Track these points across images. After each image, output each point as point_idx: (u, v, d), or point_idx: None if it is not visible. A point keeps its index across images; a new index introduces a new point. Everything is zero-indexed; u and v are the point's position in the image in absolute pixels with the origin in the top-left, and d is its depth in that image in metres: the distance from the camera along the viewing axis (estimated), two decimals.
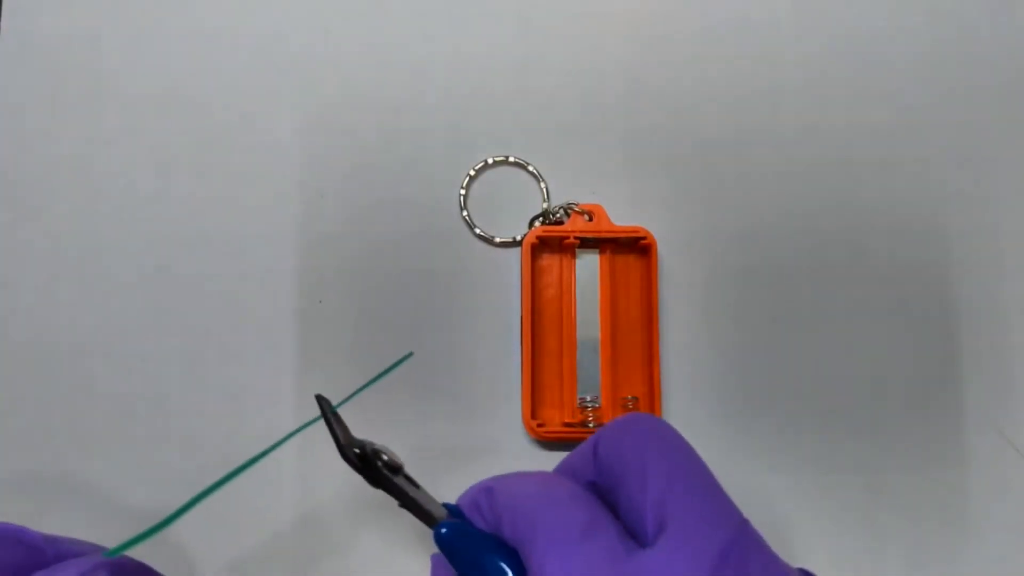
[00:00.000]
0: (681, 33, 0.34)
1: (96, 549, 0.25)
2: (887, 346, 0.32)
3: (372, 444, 0.24)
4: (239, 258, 0.32)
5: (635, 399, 0.31)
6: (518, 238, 0.32)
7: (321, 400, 0.25)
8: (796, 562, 0.31)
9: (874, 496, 0.31)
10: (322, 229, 0.32)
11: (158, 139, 0.33)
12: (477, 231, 0.32)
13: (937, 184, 0.33)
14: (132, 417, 0.31)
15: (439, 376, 0.31)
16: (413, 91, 0.33)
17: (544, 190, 0.33)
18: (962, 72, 0.34)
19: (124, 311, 0.32)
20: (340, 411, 0.25)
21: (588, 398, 0.31)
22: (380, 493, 0.24)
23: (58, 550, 0.23)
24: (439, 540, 0.22)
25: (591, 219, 0.32)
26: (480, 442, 0.31)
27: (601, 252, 0.32)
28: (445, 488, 0.30)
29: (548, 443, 0.31)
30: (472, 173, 0.33)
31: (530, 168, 0.33)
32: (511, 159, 0.33)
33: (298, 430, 0.24)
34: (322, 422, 0.24)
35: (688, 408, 0.32)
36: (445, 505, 0.24)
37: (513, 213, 0.33)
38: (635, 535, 0.20)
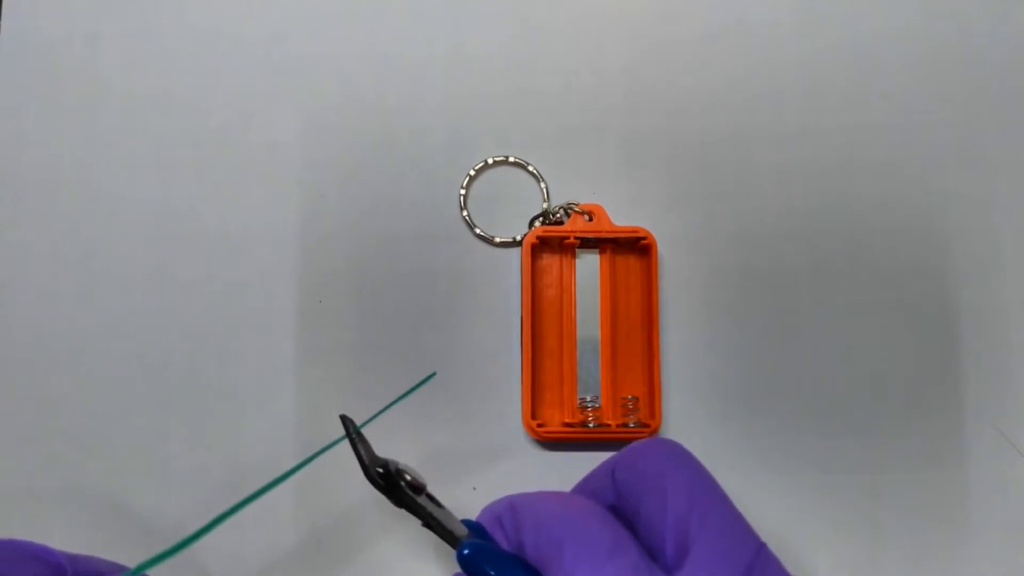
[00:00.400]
0: (681, 33, 0.34)
1: (117, 568, 0.24)
2: (886, 346, 0.32)
3: (396, 463, 0.24)
4: (239, 258, 0.32)
5: (635, 399, 0.31)
6: (518, 238, 0.32)
7: (345, 420, 0.25)
8: (796, 562, 0.31)
9: (874, 496, 0.31)
10: (322, 229, 0.32)
11: (158, 139, 0.33)
12: (477, 231, 0.32)
13: (937, 184, 0.33)
14: (132, 417, 0.31)
15: (439, 376, 0.31)
16: (413, 91, 0.33)
17: (544, 190, 0.33)
18: (962, 73, 0.34)
19: (124, 311, 0.32)
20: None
21: (588, 398, 0.31)
22: (391, 504, 0.24)
23: (78, 569, 0.23)
24: (462, 560, 0.22)
25: (591, 219, 0.32)
26: (480, 442, 0.31)
27: (601, 252, 0.32)
28: (445, 488, 0.31)
29: (548, 443, 0.31)
30: (472, 173, 0.33)
31: (530, 168, 0.33)
32: (511, 159, 0.33)
33: (324, 449, 0.24)
34: (346, 441, 0.24)
35: (688, 408, 0.32)
36: (465, 522, 0.24)
37: (513, 213, 0.33)
38: (655, 559, 0.20)
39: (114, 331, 0.32)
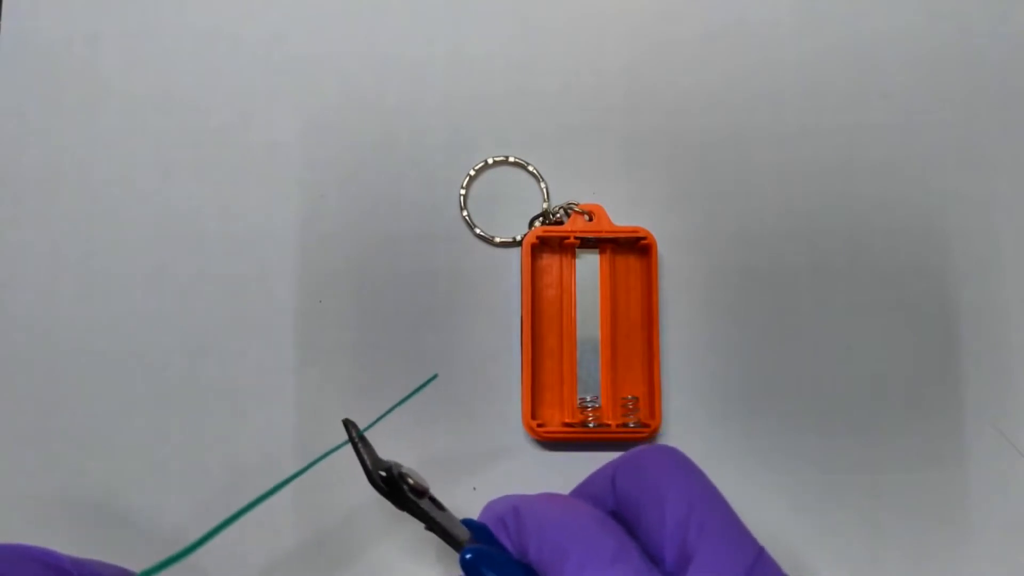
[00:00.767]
0: (681, 33, 0.34)
1: (124, 572, 0.24)
2: (886, 346, 0.32)
3: (399, 467, 0.24)
4: (239, 258, 0.32)
5: (635, 399, 0.31)
6: (518, 238, 0.32)
7: (348, 424, 0.25)
8: (796, 562, 0.31)
9: (874, 496, 0.31)
10: (322, 229, 0.32)
11: (158, 139, 0.33)
12: (477, 231, 0.32)
13: (937, 184, 0.33)
14: (132, 417, 0.31)
15: (439, 376, 0.31)
16: (413, 91, 0.33)
17: (544, 190, 0.33)
18: (962, 73, 0.34)
19: (124, 311, 0.32)
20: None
21: (588, 398, 0.31)
22: (392, 507, 0.24)
23: (83, 573, 0.23)
24: (464, 565, 0.22)
25: (591, 219, 0.32)
26: (480, 442, 0.31)
27: (601, 252, 0.32)
28: (445, 488, 0.31)
29: (548, 443, 0.31)
30: (472, 173, 0.33)
31: (530, 168, 0.33)
32: (511, 159, 0.33)
33: (327, 454, 0.24)
34: (348, 445, 0.24)
35: (688, 408, 0.32)
36: (467, 522, 0.24)
37: (513, 213, 0.33)
38: (656, 566, 0.21)
39: (114, 331, 0.32)
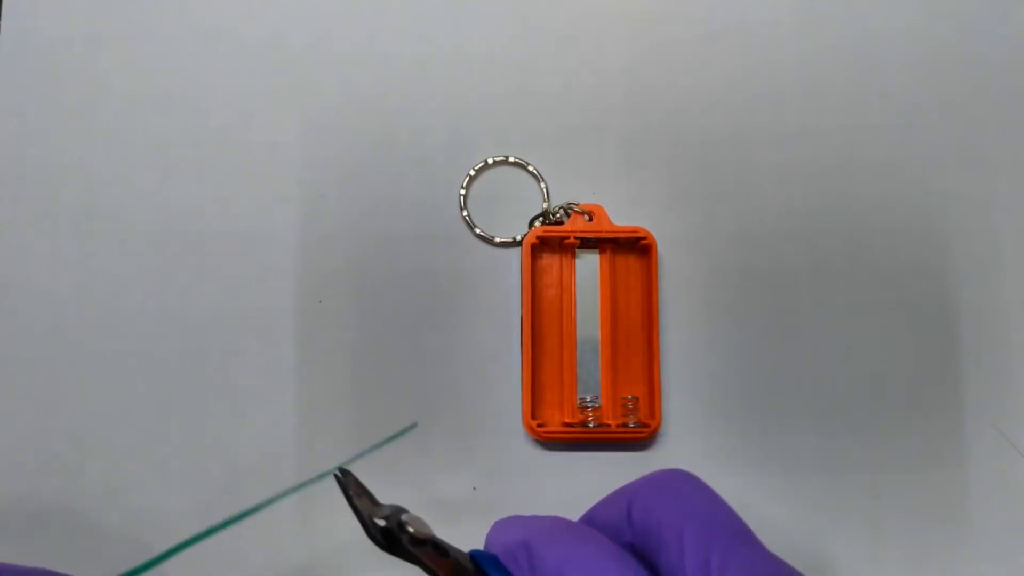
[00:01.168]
0: (681, 33, 0.34)
1: None
2: (886, 346, 0.32)
3: (398, 514, 0.23)
4: (239, 258, 0.32)
5: (635, 399, 0.31)
6: (518, 238, 0.32)
7: (340, 478, 0.23)
8: (796, 562, 0.31)
9: (874, 496, 0.31)
10: (322, 229, 0.32)
11: (158, 139, 0.33)
12: (477, 231, 0.32)
13: (937, 184, 0.33)
14: (132, 417, 0.31)
15: (440, 376, 0.31)
16: (413, 91, 0.33)
17: (544, 190, 0.33)
18: (962, 73, 0.34)
19: (124, 311, 0.32)
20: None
21: (588, 398, 0.31)
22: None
23: None
24: None
25: (591, 219, 0.32)
26: (480, 442, 0.31)
27: (601, 252, 0.32)
28: (445, 488, 0.31)
29: (548, 443, 0.31)
30: (472, 173, 0.33)
31: (530, 168, 0.33)
32: (511, 159, 0.33)
33: (315, 480, 0.23)
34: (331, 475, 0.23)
35: (688, 408, 0.32)
36: (477, 553, 0.23)
37: (513, 213, 0.33)
38: None
39: (114, 331, 0.32)
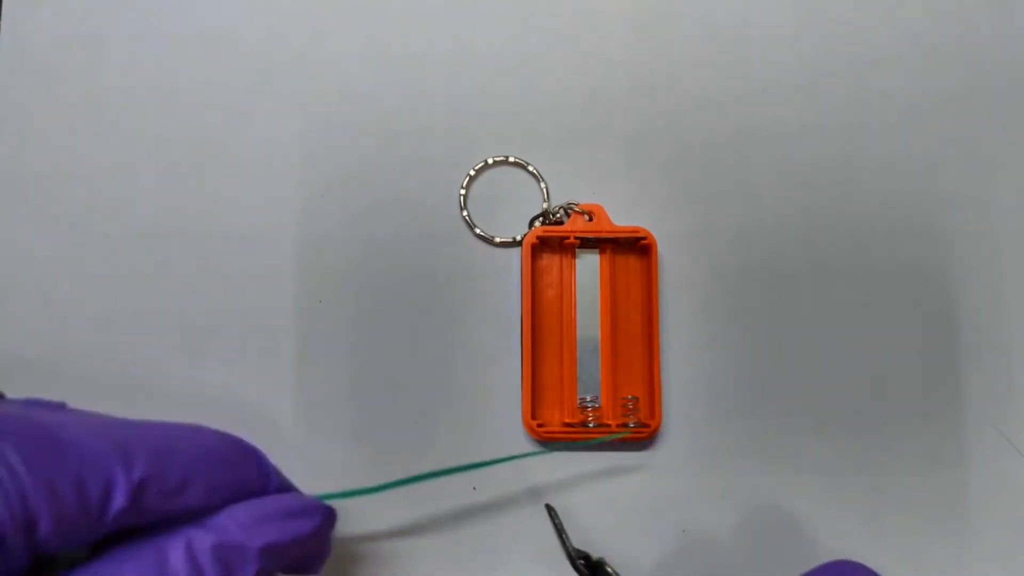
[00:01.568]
0: (681, 33, 0.34)
1: (299, 492, 0.25)
2: (887, 346, 0.32)
3: (589, 554, 0.26)
4: (239, 258, 0.32)
5: (635, 399, 0.31)
6: (518, 238, 0.32)
7: (552, 509, 0.28)
8: (796, 562, 0.31)
9: (874, 496, 0.31)
10: (322, 229, 0.32)
11: (158, 139, 0.33)
12: (477, 231, 0.32)
13: (937, 184, 0.33)
14: (131, 417, 0.31)
15: (439, 376, 0.31)
16: (413, 91, 0.33)
17: (544, 190, 0.33)
18: (962, 72, 0.34)
19: (124, 311, 0.32)
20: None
21: (588, 398, 0.31)
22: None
23: (280, 483, 0.24)
24: None
25: (591, 219, 0.32)
26: (480, 442, 0.31)
27: (601, 252, 0.32)
28: (445, 489, 0.31)
29: (548, 443, 0.31)
30: (472, 173, 0.33)
31: (530, 168, 0.33)
32: (511, 159, 0.33)
33: (517, 457, 0.28)
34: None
35: (688, 408, 0.32)
36: None
37: (513, 213, 0.33)
38: None
39: (114, 331, 0.31)
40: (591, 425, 0.30)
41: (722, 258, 0.33)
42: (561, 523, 0.27)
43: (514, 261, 0.32)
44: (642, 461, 0.31)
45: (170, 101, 0.33)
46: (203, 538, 0.20)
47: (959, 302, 0.33)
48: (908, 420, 0.32)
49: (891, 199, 0.33)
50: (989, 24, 0.35)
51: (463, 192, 0.33)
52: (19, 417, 0.19)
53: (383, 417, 0.31)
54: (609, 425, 0.30)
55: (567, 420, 0.31)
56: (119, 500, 0.19)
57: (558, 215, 0.32)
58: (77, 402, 0.31)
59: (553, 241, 0.32)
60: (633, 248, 0.32)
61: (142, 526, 0.20)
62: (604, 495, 0.31)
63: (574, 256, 0.32)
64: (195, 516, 0.21)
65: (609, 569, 0.25)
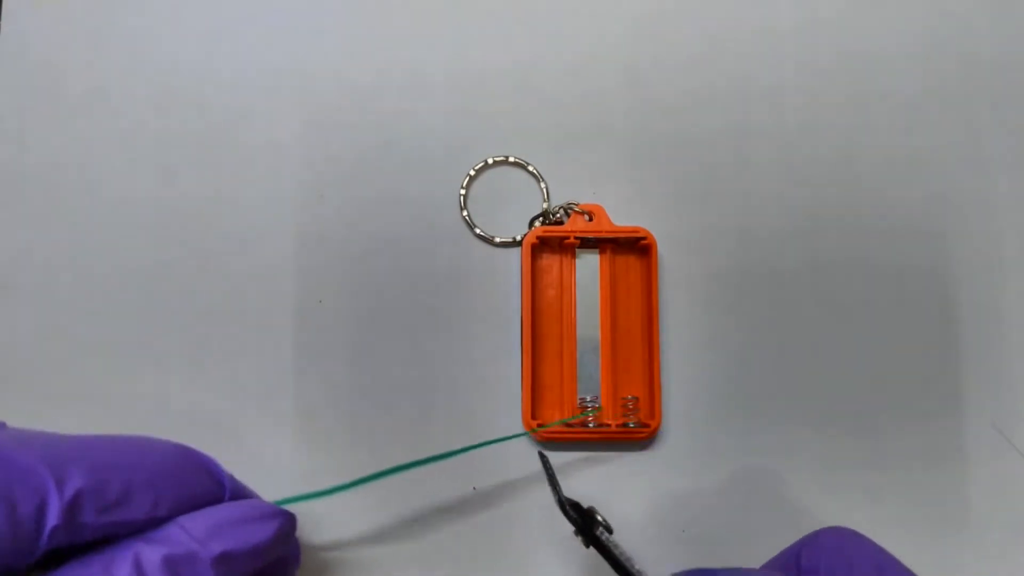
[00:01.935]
0: (681, 33, 0.34)
1: (259, 498, 0.24)
2: (887, 346, 0.32)
3: (578, 503, 0.25)
4: (239, 258, 0.32)
5: (635, 399, 0.31)
6: (518, 238, 0.32)
7: (545, 456, 0.27)
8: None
9: (874, 496, 0.31)
10: (322, 229, 0.32)
11: (158, 139, 0.33)
12: (477, 231, 0.32)
13: (937, 184, 0.33)
14: (131, 418, 0.31)
15: (439, 376, 0.31)
16: (413, 91, 0.33)
17: (544, 190, 0.33)
18: (963, 72, 0.34)
19: (124, 311, 0.32)
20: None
21: (588, 398, 0.31)
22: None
23: (235, 490, 0.23)
24: None
25: (591, 219, 0.32)
26: (480, 442, 0.31)
27: (601, 252, 0.32)
28: (445, 488, 0.31)
29: (548, 443, 0.31)
30: (472, 173, 0.33)
31: (530, 168, 0.33)
32: (511, 159, 0.33)
33: (499, 440, 0.29)
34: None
35: (688, 408, 0.32)
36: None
37: (513, 213, 0.33)
38: None
39: (114, 331, 0.31)
40: (591, 425, 0.30)
41: (722, 258, 0.33)
42: (553, 472, 0.27)
43: (514, 261, 0.32)
44: (642, 461, 0.31)
45: (170, 101, 0.33)
46: (152, 551, 0.19)
47: (959, 302, 0.33)
48: (908, 420, 0.32)
49: (891, 199, 0.33)
50: (989, 24, 0.35)
51: (463, 192, 0.33)
52: None
53: (383, 417, 0.31)
54: (609, 425, 0.30)
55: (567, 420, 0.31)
56: (53, 517, 0.18)
57: (558, 215, 0.32)
58: (78, 402, 0.31)
59: (553, 241, 0.32)
60: (633, 248, 0.32)
61: (86, 543, 0.19)
62: (604, 495, 0.31)
63: (574, 256, 0.32)
64: (144, 529, 0.20)
65: (599, 517, 0.25)
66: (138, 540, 0.20)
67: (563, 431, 0.30)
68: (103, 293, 0.32)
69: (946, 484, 0.31)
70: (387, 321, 0.32)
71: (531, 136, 0.33)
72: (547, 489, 0.31)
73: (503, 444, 0.31)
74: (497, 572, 0.30)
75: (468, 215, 0.32)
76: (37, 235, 0.32)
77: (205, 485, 0.22)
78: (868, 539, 0.24)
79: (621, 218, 0.32)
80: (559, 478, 0.27)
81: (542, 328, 0.32)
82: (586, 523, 0.25)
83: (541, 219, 0.32)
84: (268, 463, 0.31)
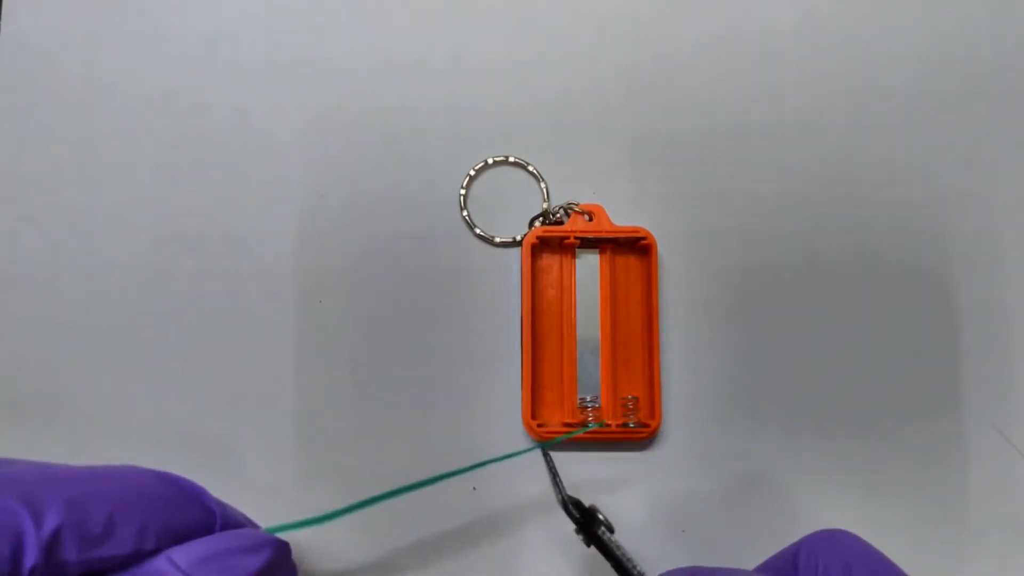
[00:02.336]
0: (682, 33, 0.34)
1: (253, 524, 0.24)
2: (887, 346, 0.32)
3: (581, 502, 0.25)
4: (239, 258, 0.32)
5: (635, 399, 0.31)
6: (518, 238, 0.32)
7: (547, 452, 0.27)
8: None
9: (874, 496, 0.31)
10: (322, 229, 0.32)
11: (158, 139, 0.33)
12: (477, 231, 0.32)
13: (937, 184, 0.33)
14: (132, 418, 0.31)
15: (439, 376, 0.31)
16: (413, 91, 0.33)
17: (544, 190, 0.33)
18: (962, 73, 0.34)
19: (124, 311, 0.32)
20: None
21: (588, 398, 0.31)
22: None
23: (227, 517, 0.23)
24: None
25: (591, 219, 0.32)
26: (480, 442, 0.31)
27: (601, 252, 0.32)
28: (445, 488, 0.31)
29: (548, 443, 0.31)
30: (472, 173, 0.33)
31: (530, 168, 0.33)
32: (511, 159, 0.33)
33: (508, 456, 0.28)
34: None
35: (688, 408, 0.32)
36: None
37: (513, 213, 0.33)
38: None
39: (114, 331, 0.31)
40: (591, 425, 0.30)
41: (722, 258, 0.33)
42: (556, 468, 0.27)
43: (514, 261, 0.32)
44: (642, 461, 0.31)
45: (170, 101, 0.33)
46: None
47: (959, 302, 0.33)
48: (908, 419, 0.32)
49: (891, 199, 0.33)
50: (989, 25, 0.35)
51: (463, 192, 0.33)
52: None
53: (383, 417, 0.31)
54: (609, 425, 0.30)
55: (567, 420, 0.31)
56: (32, 556, 0.17)
57: (558, 215, 0.32)
58: (75, 402, 0.31)
59: (553, 241, 0.32)
60: (633, 248, 0.32)
61: None
62: (604, 495, 0.31)
63: (574, 256, 0.32)
64: (130, 563, 0.19)
65: (601, 516, 0.25)
66: (124, 574, 0.19)
67: (563, 431, 0.30)
68: (102, 293, 0.32)
69: (946, 484, 0.31)
70: (387, 321, 0.32)
71: (531, 136, 0.33)
72: (547, 489, 0.31)
73: (501, 443, 0.31)
74: (497, 573, 0.30)
75: (468, 215, 0.32)
76: (37, 235, 0.32)
77: (193, 514, 0.22)
78: (864, 541, 0.24)
79: (621, 218, 0.32)
80: (561, 475, 0.27)
81: (542, 328, 0.32)
82: (588, 521, 0.25)
83: (541, 219, 0.32)
84: (268, 463, 0.31)
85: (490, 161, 0.33)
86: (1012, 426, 0.32)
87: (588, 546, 0.25)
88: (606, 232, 0.31)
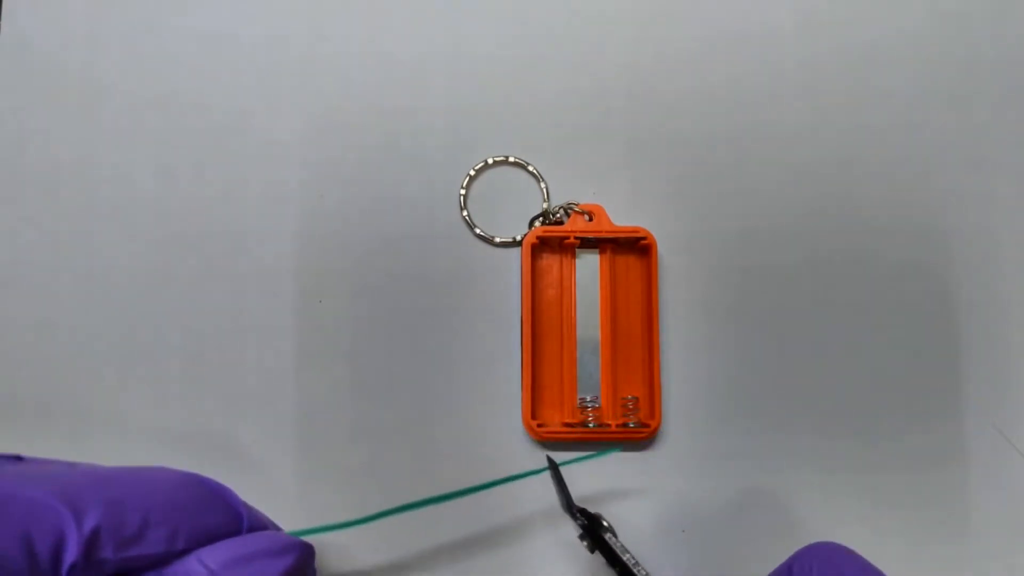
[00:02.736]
0: (682, 33, 0.34)
1: (275, 526, 0.24)
2: (887, 346, 0.32)
3: (587, 509, 0.26)
4: (239, 258, 0.32)
5: (635, 399, 0.31)
6: (518, 238, 0.32)
7: (553, 461, 0.27)
8: None
9: (874, 496, 0.31)
10: (322, 229, 0.32)
11: (158, 139, 0.33)
12: (477, 231, 0.32)
13: (937, 184, 0.33)
14: (132, 418, 0.31)
15: (439, 376, 0.31)
16: (413, 91, 0.33)
17: (544, 190, 0.33)
18: (962, 73, 0.34)
19: (124, 311, 0.32)
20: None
21: (588, 398, 0.31)
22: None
23: (252, 521, 0.23)
24: None
25: (591, 219, 0.32)
26: (480, 442, 0.31)
27: (601, 252, 0.32)
28: (445, 489, 0.30)
29: (548, 443, 0.31)
30: (472, 173, 0.33)
31: (530, 168, 0.33)
32: (511, 159, 0.33)
33: (523, 476, 0.28)
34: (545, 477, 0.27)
35: (688, 408, 0.32)
36: None
37: (513, 213, 0.33)
38: None
39: (114, 331, 0.31)
40: (591, 425, 0.30)
41: (722, 258, 0.33)
42: (561, 476, 0.27)
43: (514, 261, 0.32)
44: (642, 461, 0.31)
45: (170, 101, 0.33)
46: None
47: (959, 301, 0.33)
48: (908, 419, 0.32)
49: (891, 198, 0.33)
50: (989, 24, 0.35)
51: (463, 192, 0.33)
52: None
53: (383, 417, 0.31)
54: (609, 425, 0.30)
55: (567, 420, 0.31)
56: (72, 554, 0.18)
57: (558, 215, 0.32)
58: (78, 401, 0.31)
59: (553, 241, 0.32)
60: (633, 248, 0.32)
61: None
62: (604, 495, 0.31)
63: (574, 256, 0.32)
64: (161, 563, 0.20)
65: (605, 523, 0.25)
66: (156, 575, 0.20)
67: (563, 431, 0.30)
68: (102, 294, 0.32)
69: (946, 485, 0.31)
70: (387, 321, 0.32)
71: (531, 136, 0.33)
72: (549, 493, 0.31)
73: (501, 443, 0.31)
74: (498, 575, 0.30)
75: (468, 215, 0.32)
76: (37, 235, 0.32)
77: (222, 516, 0.22)
78: (858, 555, 0.24)
79: (621, 218, 0.32)
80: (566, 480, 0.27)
81: (542, 328, 0.32)
82: (593, 527, 0.25)
83: (541, 219, 0.32)
84: (268, 463, 0.31)
85: (490, 161, 0.33)
86: (1012, 426, 0.32)
87: (592, 552, 0.25)
88: (606, 232, 0.31)
